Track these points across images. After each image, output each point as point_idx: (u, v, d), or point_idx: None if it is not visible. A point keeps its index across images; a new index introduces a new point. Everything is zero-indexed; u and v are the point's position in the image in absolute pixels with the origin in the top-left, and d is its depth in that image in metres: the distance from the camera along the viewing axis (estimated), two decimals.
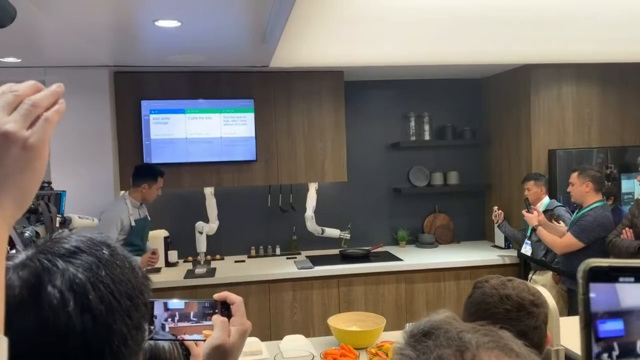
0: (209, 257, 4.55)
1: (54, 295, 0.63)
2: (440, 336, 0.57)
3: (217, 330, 0.94)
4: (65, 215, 2.24)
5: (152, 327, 0.88)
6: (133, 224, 3.72)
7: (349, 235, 4.57)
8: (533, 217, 3.71)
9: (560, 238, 3.63)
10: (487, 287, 1.34)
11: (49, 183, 2.48)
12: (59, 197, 2.21)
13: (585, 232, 3.51)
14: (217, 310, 0.97)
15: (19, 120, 0.57)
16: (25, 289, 0.63)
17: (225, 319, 0.96)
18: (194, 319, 0.98)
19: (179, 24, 2.86)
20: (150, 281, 0.76)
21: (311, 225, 4.51)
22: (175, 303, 0.98)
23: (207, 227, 4.31)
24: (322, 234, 4.54)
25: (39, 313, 0.63)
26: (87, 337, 0.64)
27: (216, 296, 0.99)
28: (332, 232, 4.56)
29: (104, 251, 0.70)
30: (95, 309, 0.65)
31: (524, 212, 3.79)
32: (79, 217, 2.39)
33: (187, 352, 1.15)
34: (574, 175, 3.66)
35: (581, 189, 3.60)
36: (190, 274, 4.10)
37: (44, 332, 0.62)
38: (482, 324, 0.59)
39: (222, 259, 4.64)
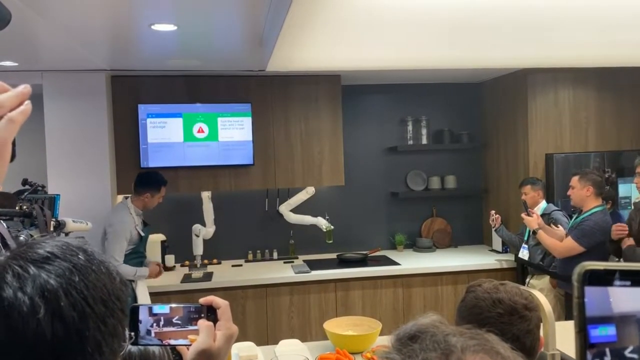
0: (206, 261, 4.56)
1: (23, 302, 0.62)
2: (427, 339, 0.57)
3: (202, 334, 0.93)
4: (59, 219, 2.22)
5: (132, 334, 0.86)
6: (142, 234, 3.66)
7: (325, 227, 4.50)
8: (533, 221, 3.69)
9: (560, 242, 3.63)
10: (480, 291, 1.33)
11: (43, 187, 2.47)
12: (53, 200, 2.21)
13: (586, 237, 3.50)
14: (202, 315, 0.96)
15: None
16: None
17: (211, 323, 0.95)
18: (180, 324, 0.97)
19: (175, 28, 2.86)
20: (128, 287, 0.75)
21: (287, 217, 4.57)
22: (160, 308, 0.97)
23: (204, 231, 4.30)
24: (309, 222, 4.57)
25: (8, 320, 0.61)
26: (57, 345, 0.62)
27: (202, 300, 0.98)
28: (320, 221, 4.56)
29: (79, 256, 0.69)
30: (67, 315, 0.63)
31: (523, 215, 3.78)
32: (73, 221, 2.37)
33: (179, 358, 1.14)
34: (575, 178, 3.65)
35: (581, 192, 3.59)
36: (187, 278, 4.09)
37: (13, 340, 0.61)
38: (469, 327, 0.59)
39: (219, 263, 4.63)
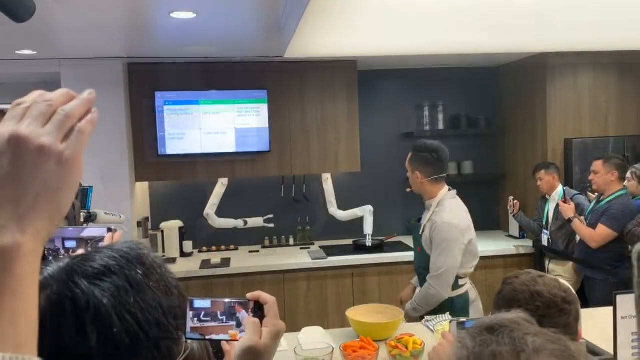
0: (223, 247, 4.60)
1: (75, 326, 0.61)
2: (504, 334, 0.58)
3: (248, 331, 0.91)
4: (91, 210, 2.20)
5: (187, 342, 0.85)
6: None
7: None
8: (570, 209, 3.67)
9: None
10: (518, 284, 1.32)
11: None
12: (85, 192, 2.19)
13: (618, 221, 3.48)
14: (243, 309, 0.95)
15: (53, 133, 0.54)
16: (47, 313, 0.60)
17: (257, 320, 0.93)
18: (220, 319, 0.96)
19: (195, 15, 2.85)
20: (187, 300, 0.73)
21: (337, 216, 4.55)
22: (202, 302, 0.96)
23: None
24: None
25: (59, 341, 0.60)
26: None
27: (249, 295, 0.96)
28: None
29: (137, 271, 0.66)
30: (120, 341, 0.61)
31: (560, 201, 3.76)
32: (105, 213, 2.32)
33: (216, 351, 1.14)
34: (598, 163, 3.62)
35: (607, 177, 3.57)
36: (205, 264, 4.12)
37: (63, 358, 0.60)
38: (554, 331, 0.58)
39: (236, 249, 4.66)
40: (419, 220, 2.82)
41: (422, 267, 2.72)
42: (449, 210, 2.58)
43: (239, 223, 4.42)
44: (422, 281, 2.70)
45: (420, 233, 2.66)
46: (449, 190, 2.69)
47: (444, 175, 2.70)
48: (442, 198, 2.62)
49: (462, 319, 1.36)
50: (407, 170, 2.76)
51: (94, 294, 0.62)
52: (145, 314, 0.64)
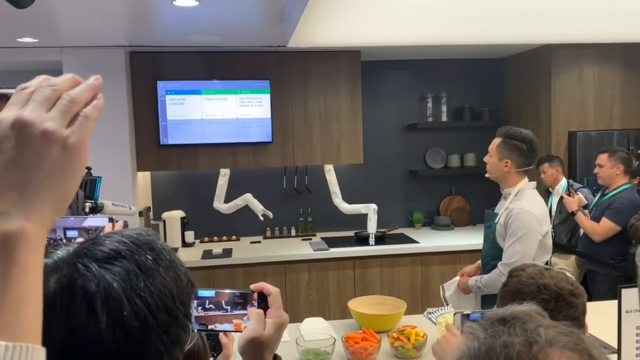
0: (224, 237, 4.59)
1: (86, 308, 0.60)
2: (516, 325, 0.58)
3: (252, 322, 0.92)
4: (98, 201, 2.15)
5: (194, 331, 0.84)
6: None
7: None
8: (573, 202, 3.66)
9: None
10: (524, 276, 1.30)
11: (89, 169, 2.35)
12: (93, 182, 2.15)
13: (622, 215, 3.47)
14: (252, 301, 0.95)
15: (58, 118, 0.52)
16: (57, 296, 0.60)
17: (261, 310, 0.94)
18: (225, 309, 0.96)
19: (197, 3, 2.82)
20: (195, 288, 0.73)
21: (342, 208, 4.45)
22: (206, 292, 0.96)
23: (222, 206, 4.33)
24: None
25: (69, 324, 0.60)
26: (118, 352, 0.61)
27: (253, 287, 0.96)
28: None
29: (147, 256, 0.66)
30: (130, 326, 0.61)
31: (564, 194, 3.75)
32: (113, 204, 2.24)
33: (214, 344, 1.14)
34: (604, 156, 3.61)
35: (612, 171, 3.57)
36: (207, 255, 4.12)
37: (72, 344, 0.60)
38: (566, 324, 0.58)
39: (238, 239, 4.66)
40: (492, 210, 2.72)
41: (489, 257, 2.59)
42: (527, 199, 2.48)
43: (239, 201, 4.33)
44: (487, 272, 2.57)
45: (496, 221, 2.54)
46: (529, 181, 2.60)
47: (532, 167, 2.61)
48: (522, 187, 2.53)
49: (467, 311, 1.35)
50: (491, 155, 2.64)
51: (104, 277, 0.62)
52: (155, 298, 0.64)
